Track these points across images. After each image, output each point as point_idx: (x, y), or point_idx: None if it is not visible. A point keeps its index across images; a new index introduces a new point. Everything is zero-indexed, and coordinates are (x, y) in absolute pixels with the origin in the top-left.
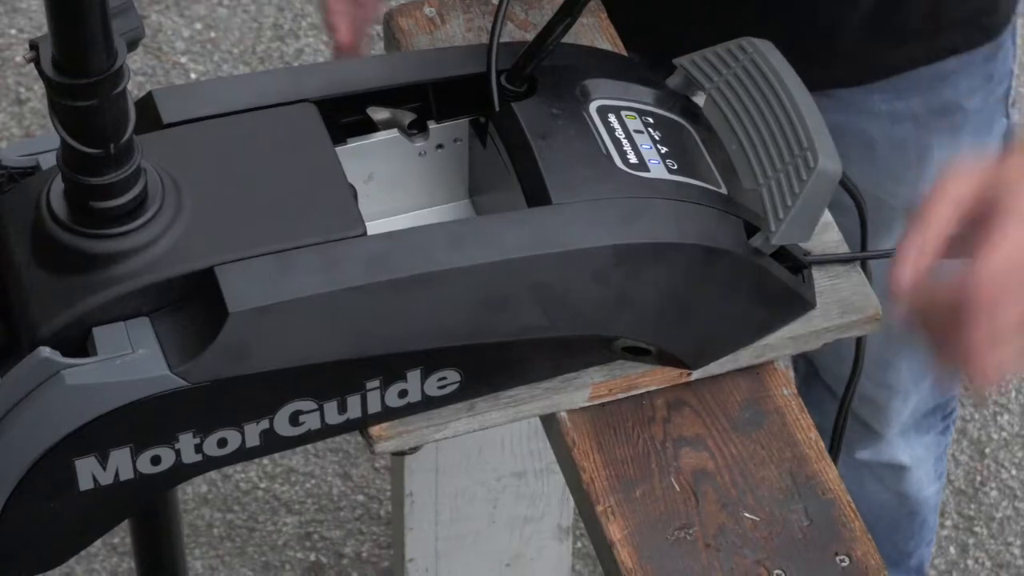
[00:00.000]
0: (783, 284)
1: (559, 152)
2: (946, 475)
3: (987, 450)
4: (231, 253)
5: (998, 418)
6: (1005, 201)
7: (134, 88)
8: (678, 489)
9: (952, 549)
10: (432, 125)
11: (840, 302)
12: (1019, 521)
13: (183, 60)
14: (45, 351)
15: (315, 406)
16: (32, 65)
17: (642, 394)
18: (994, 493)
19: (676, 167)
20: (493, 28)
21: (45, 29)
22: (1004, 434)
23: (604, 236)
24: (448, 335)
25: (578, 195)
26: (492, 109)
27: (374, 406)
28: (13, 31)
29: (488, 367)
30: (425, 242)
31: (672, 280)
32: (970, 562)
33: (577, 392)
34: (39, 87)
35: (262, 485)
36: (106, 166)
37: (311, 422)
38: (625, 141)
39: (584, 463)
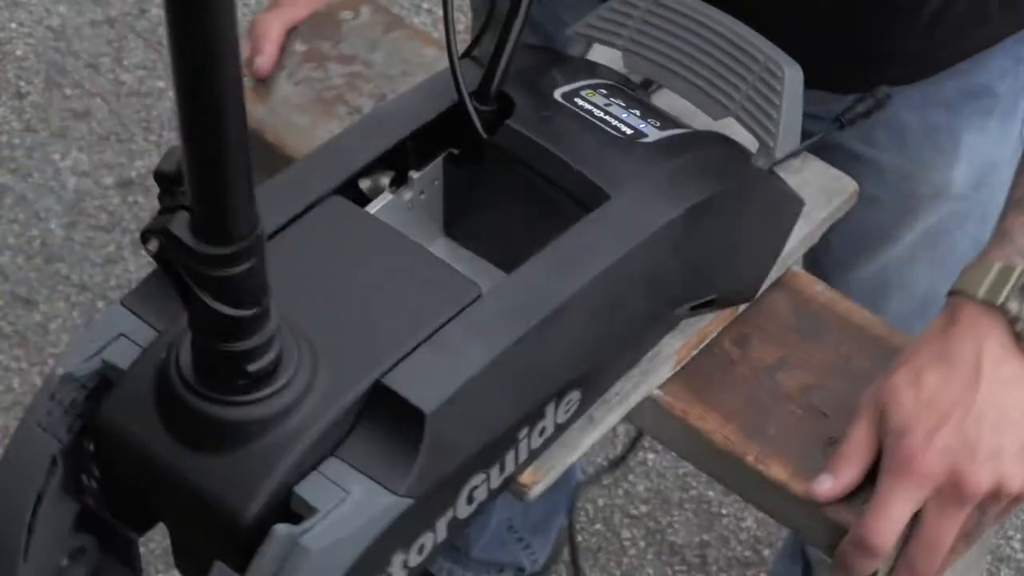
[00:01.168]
0: (784, 190)
1: (580, 149)
2: None
3: None
4: (385, 360)
5: None
6: (896, 377)
7: (135, 82)
8: (801, 412)
9: None
10: (414, 175)
11: (820, 189)
12: (1019, 515)
13: None
14: (282, 528)
15: (484, 477)
16: (33, 58)
17: (709, 344)
18: None
19: (659, 124)
20: (450, 54)
21: (46, 23)
22: None
23: (672, 207)
24: (585, 357)
25: (623, 180)
26: (478, 136)
27: (523, 455)
28: (14, 25)
29: (598, 375)
30: (541, 276)
31: (726, 225)
32: None
33: (664, 366)
34: (39, 81)
35: None
36: (258, 324)
37: (480, 494)
38: (609, 117)
39: (707, 426)
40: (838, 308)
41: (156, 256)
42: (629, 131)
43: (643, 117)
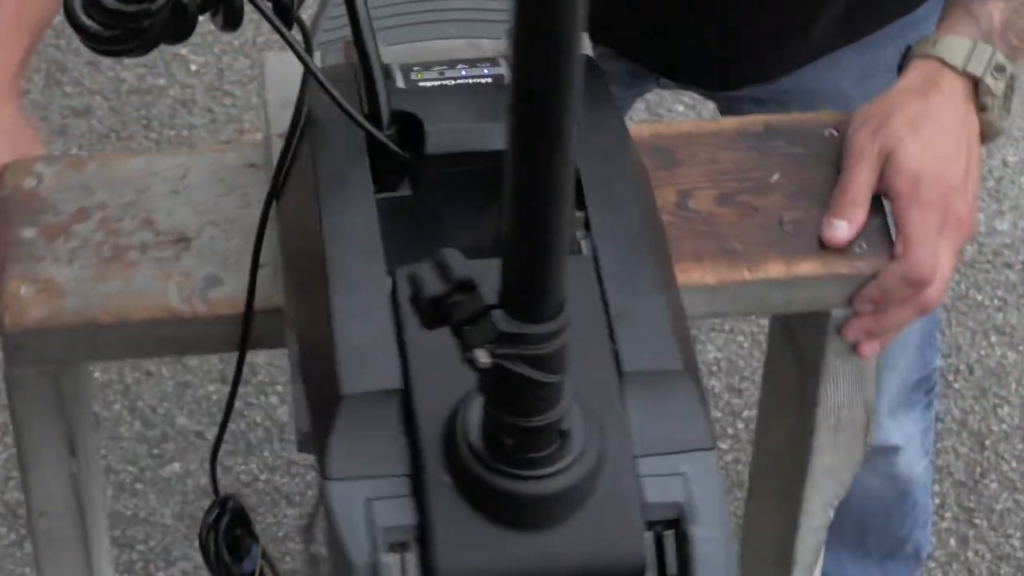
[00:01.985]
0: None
1: (500, 112)
2: (933, 451)
3: (987, 442)
4: (604, 355)
5: (998, 410)
6: (895, 126)
7: (135, 80)
8: (736, 218)
9: (952, 541)
10: None
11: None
12: (1019, 513)
13: (183, 52)
14: (699, 531)
15: None
16: (33, 55)
17: None
18: (994, 485)
19: (489, 63)
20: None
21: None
22: (1004, 426)
23: (608, 110)
24: (667, 266)
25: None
26: (404, 160)
27: None
28: None
29: None
30: (615, 218)
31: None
32: (970, 554)
33: None
34: (38, 78)
35: (263, 477)
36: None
37: None
38: (465, 80)
39: (693, 276)
40: (665, 132)
41: (493, 367)
42: (491, 80)
43: (472, 65)
